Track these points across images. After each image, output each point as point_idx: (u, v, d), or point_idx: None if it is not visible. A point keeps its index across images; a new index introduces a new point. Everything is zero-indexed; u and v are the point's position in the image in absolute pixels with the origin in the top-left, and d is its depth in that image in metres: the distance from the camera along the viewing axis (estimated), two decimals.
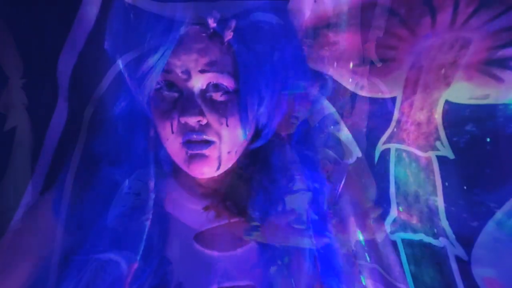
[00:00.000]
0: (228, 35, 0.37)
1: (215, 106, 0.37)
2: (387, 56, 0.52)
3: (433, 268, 0.57)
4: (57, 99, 0.46)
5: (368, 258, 0.45)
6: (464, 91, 0.49)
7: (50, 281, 0.35)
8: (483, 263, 0.51)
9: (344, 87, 0.56)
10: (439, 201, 0.55)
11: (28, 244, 0.37)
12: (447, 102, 0.51)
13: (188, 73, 0.36)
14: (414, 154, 0.56)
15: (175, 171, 0.42)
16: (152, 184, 0.39)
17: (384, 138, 0.57)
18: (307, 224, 0.41)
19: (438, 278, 0.56)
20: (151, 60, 0.35)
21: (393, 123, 0.56)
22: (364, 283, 0.41)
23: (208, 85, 0.37)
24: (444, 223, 0.55)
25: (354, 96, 0.56)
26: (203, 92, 0.37)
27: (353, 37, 0.51)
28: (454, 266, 0.54)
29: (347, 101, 0.56)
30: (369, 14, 0.48)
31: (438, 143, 0.53)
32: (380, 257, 0.48)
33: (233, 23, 0.37)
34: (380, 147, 0.58)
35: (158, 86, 0.37)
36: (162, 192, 0.41)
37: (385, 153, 0.58)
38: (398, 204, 0.59)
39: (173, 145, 0.38)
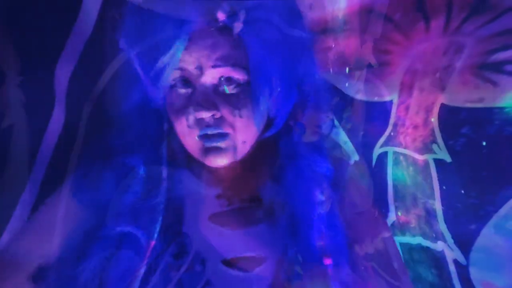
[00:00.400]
0: (238, 27, 0.38)
1: (228, 99, 0.38)
2: (383, 60, 0.53)
3: (431, 272, 0.56)
4: (55, 100, 0.47)
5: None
6: (459, 95, 0.50)
7: (73, 258, 0.37)
8: (481, 267, 0.51)
9: (341, 91, 0.57)
10: (437, 204, 0.55)
11: (52, 225, 0.39)
12: (442, 105, 0.51)
13: (200, 69, 0.37)
14: (411, 157, 0.56)
15: (188, 161, 0.43)
16: (165, 172, 0.40)
17: (381, 141, 0.58)
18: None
19: (437, 282, 0.55)
20: (165, 58, 0.36)
21: (390, 126, 0.56)
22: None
23: (220, 79, 0.38)
24: (442, 226, 0.55)
25: (350, 99, 0.57)
26: (216, 86, 0.38)
27: (349, 42, 0.52)
28: (452, 270, 0.54)
29: (344, 105, 0.57)
30: (364, 19, 0.49)
31: (434, 146, 0.53)
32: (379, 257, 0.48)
33: (242, 15, 0.37)
34: (378, 150, 0.59)
35: (173, 82, 0.38)
36: (175, 181, 0.42)
37: (383, 156, 0.58)
38: (396, 207, 0.59)
39: (189, 139, 0.39)
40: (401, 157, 0.57)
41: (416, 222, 0.58)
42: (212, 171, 0.43)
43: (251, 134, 0.41)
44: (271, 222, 0.42)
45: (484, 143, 0.49)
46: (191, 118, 0.38)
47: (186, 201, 0.41)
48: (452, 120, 0.51)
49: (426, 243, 0.57)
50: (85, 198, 0.39)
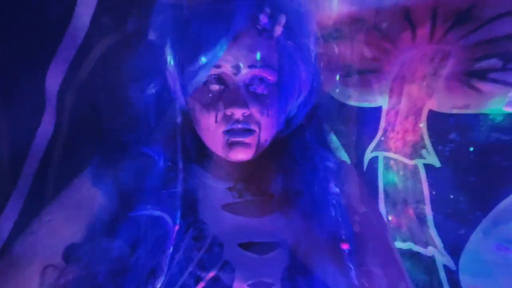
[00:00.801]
0: (278, 30, 0.39)
1: (258, 98, 0.40)
2: (372, 67, 0.54)
3: (422, 278, 0.56)
4: (44, 107, 0.47)
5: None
6: (446, 101, 0.51)
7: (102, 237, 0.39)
8: (470, 272, 0.51)
9: (332, 97, 0.59)
10: (427, 209, 0.56)
11: (75, 210, 0.41)
12: (430, 111, 0.53)
13: (237, 68, 0.38)
14: (402, 161, 0.57)
15: (199, 156, 0.45)
16: (181, 164, 0.41)
17: (372, 146, 0.59)
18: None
19: None
20: (205, 57, 0.37)
21: (380, 132, 0.58)
22: None
23: (253, 78, 0.39)
24: (433, 231, 0.55)
25: (342, 105, 0.58)
26: (247, 85, 0.39)
27: (339, 50, 0.54)
28: (442, 275, 0.54)
29: (335, 110, 0.59)
30: (354, 28, 0.51)
31: (424, 151, 0.54)
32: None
33: (283, 19, 0.39)
34: (369, 155, 0.60)
35: (207, 79, 0.39)
36: (188, 174, 0.43)
37: (373, 161, 0.59)
38: (387, 212, 0.60)
39: (214, 133, 0.40)
40: (392, 162, 0.58)
41: (407, 227, 0.58)
42: (223, 166, 0.45)
43: (273, 132, 0.43)
44: (284, 212, 0.43)
45: (471, 149, 0.50)
46: (221, 114, 0.39)
47: (199, 193, 0.42)
48: (440, 126, 0.52)
49: (416, 248, 0.57)
50: (105, 186, 0.41)
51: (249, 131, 0.40)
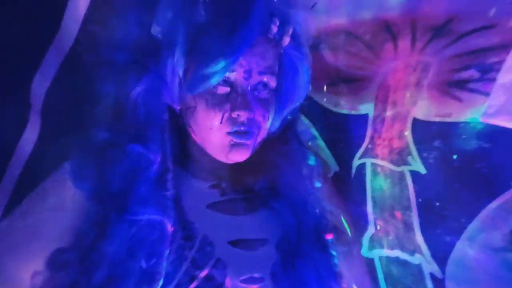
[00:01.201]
0: (286, 40, 0.42)
1: (261, 103, 0.42)
2: (357, 76, 0.57)
3: (409, 287, 0.55)
4: (30, 113, 0.47)
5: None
6: (429, 109, 0.53)
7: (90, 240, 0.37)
8: (456, 281, 0.50)
9: (320, 104, 0.61)
10: (414, 216, 0.56)
11: (54, 212, 0.39)
12: (415, 119, 0.55)
13: (249, 73, 0.40)
14: (389, 168, 0.58)
15: (180, 155, 0.45)
16: (171, 164, 0.41)
17: (359, 152, 0.60)
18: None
19: None
20: (225, 60, 0.38)
21: (367, 139, 0.59)
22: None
23: (259, 83, 0.42)
24: (419, 238, 0.55)
25: (329, 112, 0.61)
26: (253, 90, 0.42)
27: (325, 59, 0.57)
28: (429, 284, 0.53)
29: (323, 117, 0.61)
30: (337, 39, 0.54)
31: (409, 158, 0.56)
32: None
33: (290, 30, 0.42)
34: (356, 161, 0.61)
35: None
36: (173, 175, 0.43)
37: (361, 168, 0.60)
38: (375, 220, 0.60)
39: (218, 134, 0.41)
40: (379, 169, 0.59)
41: (395, 235, 0.58)
42: (203, 166, 0.46)
43: (265, 134, 0.45)
44: (269, 209, 0.45)
45: (455, 156, 0.51)
46: (226, 115, 0.40)
47: (182, 195, 0.43)
48: (425, 134, 0.54)
49: (404, 256, 0.57)
50: (89, 186, 0.39)
51: (249, 133, 0.42)
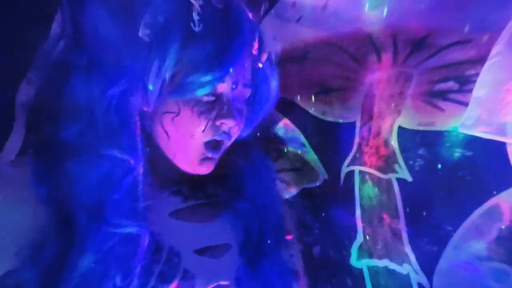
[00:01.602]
0: (265, 57, 0.44)
1: (239, 113, 0.43)
2: (343, 85, 0.59)
3: None
4: (14, 121, 0.45)
5: None
6: (413, 118, 0.54)
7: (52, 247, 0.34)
8: None
9: (308, 113, 0.63)
10: (401, 225, 0.56)
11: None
12: (400, 127, 0.56)
13: (236, 84, 0.42)
14: (376, 176, 0.59)
15: (150, 161, 0.42)
16: (141, 170, 0.39)
17: (348, 160, 0.61)
18: None
19: None
20: (221, 71, 0.38)
21: (355, 146, 0.60)
22: None
23: (240, 95, 0.43)
24: (407, 248, 0.55)
25: (318, 120, 0.62)
26: (233, 100, 0.43)
27: (312, 69, 0.60)
28: None
29: (311, 125, 0.63)
30: (324, 50, 0.57)
31: (396, 166, 0.56)
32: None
33: (267, 47, 0.44)
34: (345, 169, 0.62)
35: None
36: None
37: (350, 175, 0.61)
38: (364, 228, 0.60)
39: (195, 142, 0.41)
40: (367, 176, 0.60)
41: (383, 244, 0.58)
42: (164, 173, 0.44)
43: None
44: (231, 213, 0.45)
45: (439, 165, 0.51)
46: (210, 123, 0.41)
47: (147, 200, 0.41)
48: (410, 142, 0.55)
49: (392, 265, 0.56)
50: (50, 192, 0.36)
51: (223, 146, 0.43)
